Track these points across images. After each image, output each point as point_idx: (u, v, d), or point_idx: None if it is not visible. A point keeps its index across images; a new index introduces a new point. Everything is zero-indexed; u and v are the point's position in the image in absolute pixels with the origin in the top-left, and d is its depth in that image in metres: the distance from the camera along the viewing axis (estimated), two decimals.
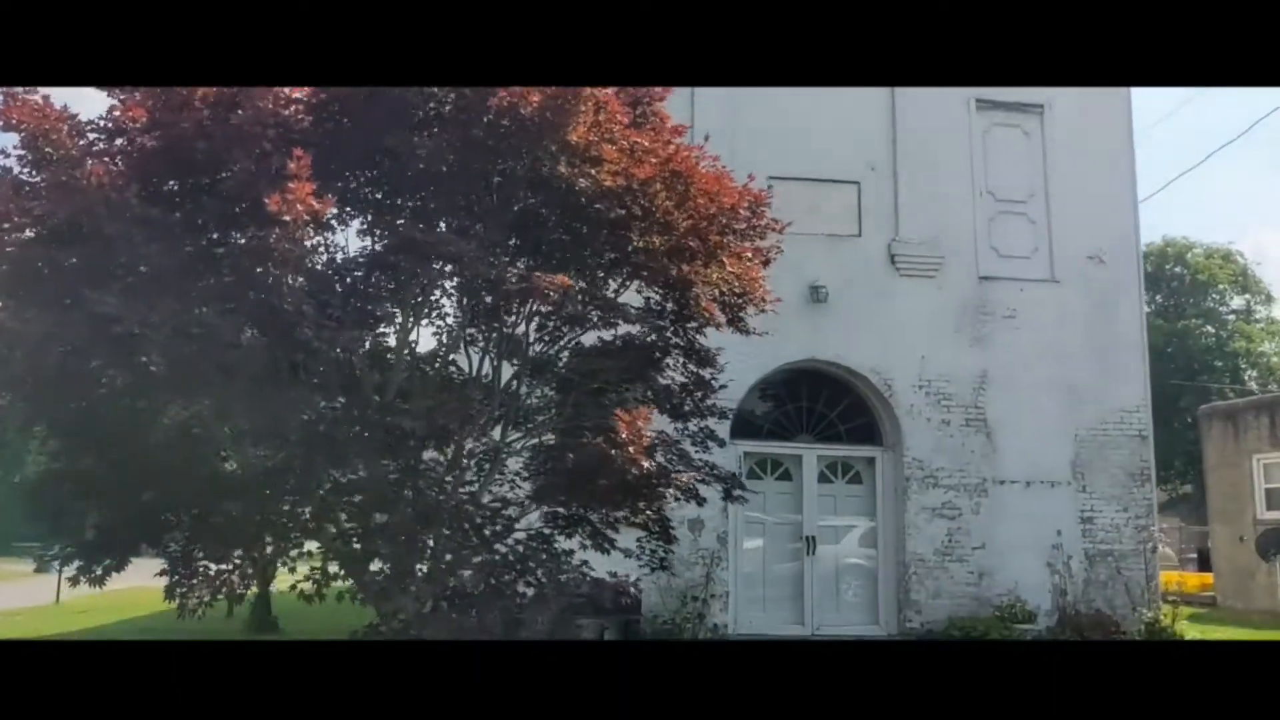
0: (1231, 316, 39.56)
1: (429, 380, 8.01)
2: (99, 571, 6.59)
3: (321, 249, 6.98)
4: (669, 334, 7.95)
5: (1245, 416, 18.97)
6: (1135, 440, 13.51)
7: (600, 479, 6.78)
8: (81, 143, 6.49)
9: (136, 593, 25.73)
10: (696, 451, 8.56)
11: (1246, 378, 37.91)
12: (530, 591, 6.79)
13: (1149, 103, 71.42)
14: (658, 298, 7.83)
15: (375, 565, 6.93)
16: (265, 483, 6.66)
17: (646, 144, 7.35)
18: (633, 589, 7.63)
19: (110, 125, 6.78)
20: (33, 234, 6.08)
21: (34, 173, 6.43)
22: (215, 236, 6.32)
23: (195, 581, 6.33)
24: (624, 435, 6.56)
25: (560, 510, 7.53)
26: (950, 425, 13.24)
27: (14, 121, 6.27)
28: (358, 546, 7.05)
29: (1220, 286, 39.23)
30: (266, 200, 5.55)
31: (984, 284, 13.62)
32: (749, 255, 7.96)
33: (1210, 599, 19.25)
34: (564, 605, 6.48)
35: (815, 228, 12.79)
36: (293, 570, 7.06)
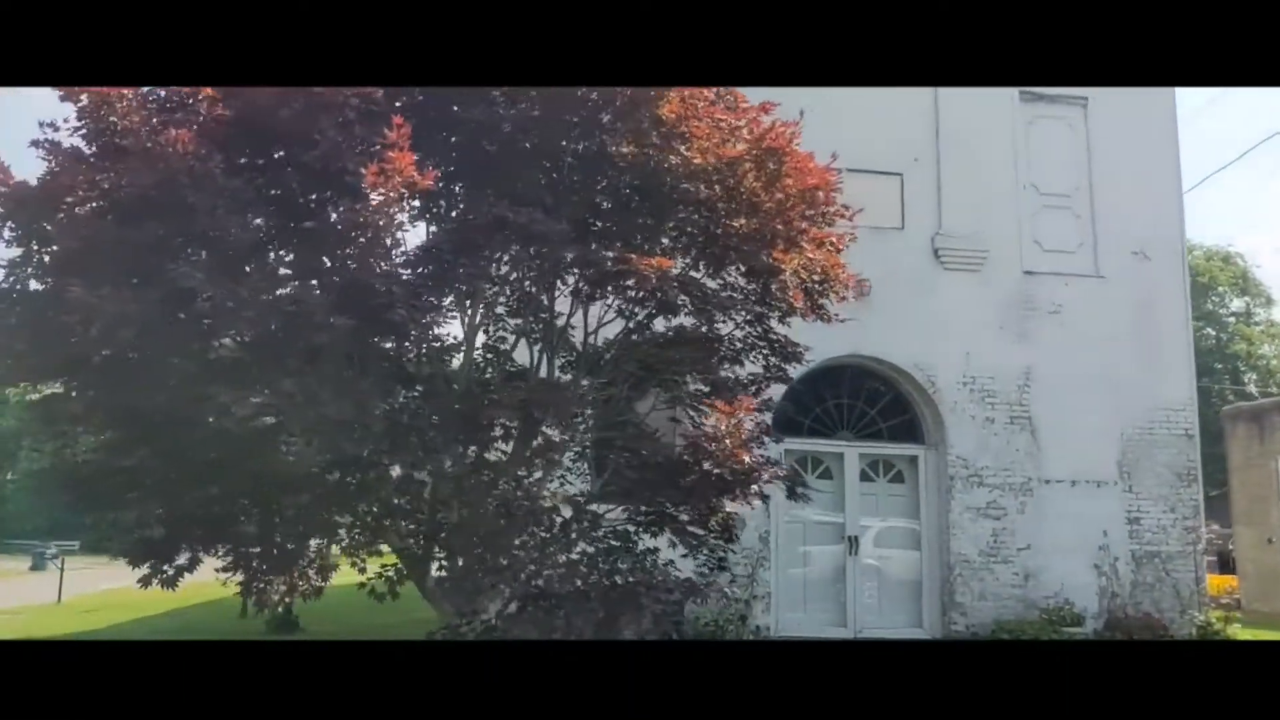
0: (1231, 319, 39.60)
1: (486, 370, 7.65)
2: (170, 571, 6.17)
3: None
4: (748, 324, 7.59)
5: (1271, 418, 18.77)
6: (1182, 439, 13.26)
7: (690, 474, 6.42)
8: (144, 112, 6.09)
9: (142, 591, 25.25)
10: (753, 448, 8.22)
11: (1246, 380, 37.93)
12: (612, 593, 6.41)
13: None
14: (740, 284, 7.47)
15: (444, 563, 6.55)
16: (336, 476, 6.27)
17: (733, 120, 7.01)
18: (728, 590, 7.23)
19: (169, 94, 6.37)
20: (94, 207, 5.63)
21: (94, 144, 6.02)
22: (296, 211, 5.87)
23: (273, 578, 5.90)
24: (722, 428, 6.21)
25: (644, 508, 7.14)
26: (995, 423, 12.95)
27: (74, 90, 5.86)
28: (421, 545, 6.67)
29: (1220, 289, 39.26)
30: (363, 170, 5.16)
31: (1028, 279, 13.35)
32: (832, 241, 7.62)
33: (1234, 602, 19.04)
34: (659, 611, 6.11)
35: (857, 219, 12.43)
36: (362, 570, 6.67)
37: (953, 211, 13.31)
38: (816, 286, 7.62)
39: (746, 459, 6.45)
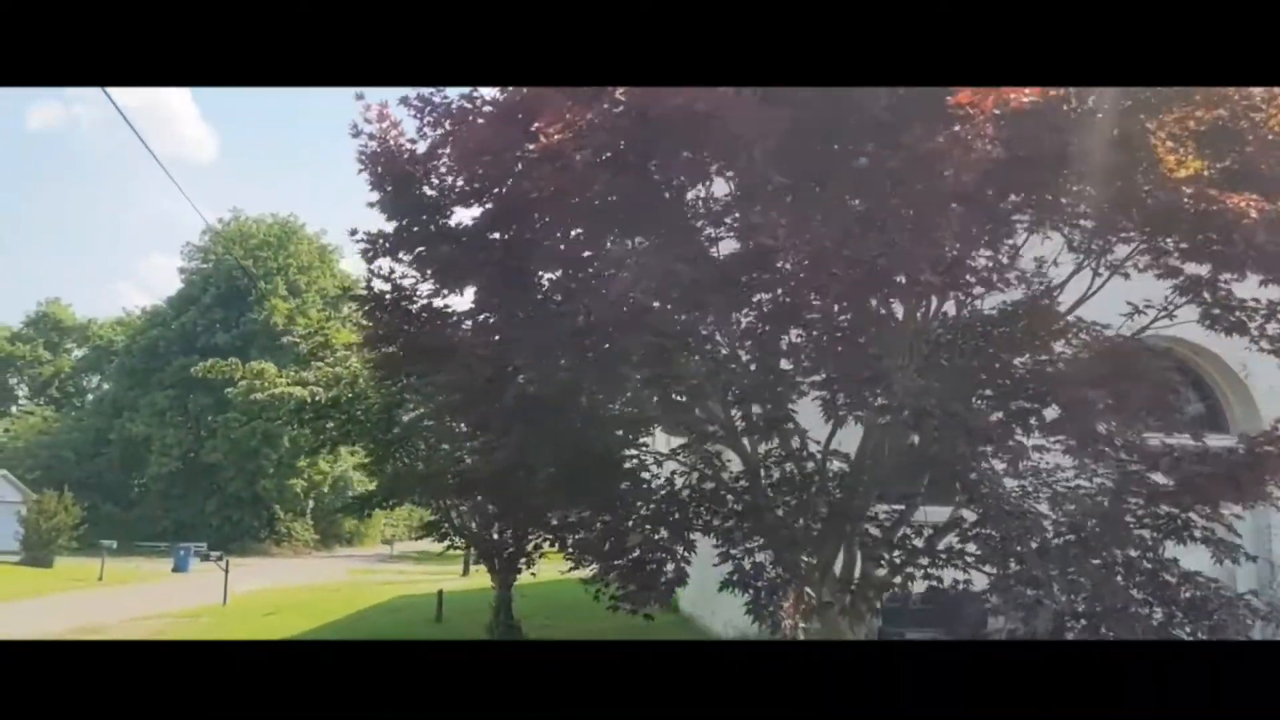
0: None
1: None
2: (664, 584, 5.13)
3: None
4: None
5: None
6: None
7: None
8: None
9: (306, 591, 24.71)
10: None
11: None
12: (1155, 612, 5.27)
13: None
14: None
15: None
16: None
17: None
18: None
19: None
20: (580, 152, 4.58)
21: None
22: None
23: (780, 597, 4.84)
24: None
25: (1166, 508, 5.97)
26: None
27: None
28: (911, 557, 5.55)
29: None
30: (956, 91, 4.05)
31: None
32: None
33: None
34: (1227, 633, 4.97)
35: None
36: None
37: None
38: None
39: None
